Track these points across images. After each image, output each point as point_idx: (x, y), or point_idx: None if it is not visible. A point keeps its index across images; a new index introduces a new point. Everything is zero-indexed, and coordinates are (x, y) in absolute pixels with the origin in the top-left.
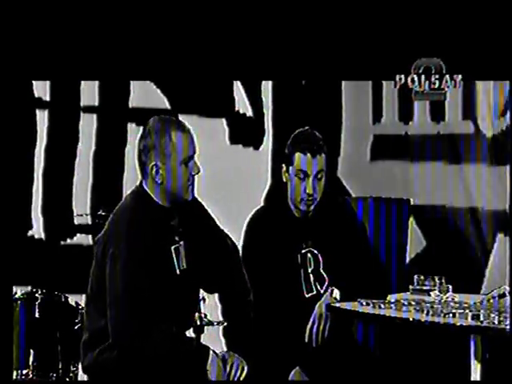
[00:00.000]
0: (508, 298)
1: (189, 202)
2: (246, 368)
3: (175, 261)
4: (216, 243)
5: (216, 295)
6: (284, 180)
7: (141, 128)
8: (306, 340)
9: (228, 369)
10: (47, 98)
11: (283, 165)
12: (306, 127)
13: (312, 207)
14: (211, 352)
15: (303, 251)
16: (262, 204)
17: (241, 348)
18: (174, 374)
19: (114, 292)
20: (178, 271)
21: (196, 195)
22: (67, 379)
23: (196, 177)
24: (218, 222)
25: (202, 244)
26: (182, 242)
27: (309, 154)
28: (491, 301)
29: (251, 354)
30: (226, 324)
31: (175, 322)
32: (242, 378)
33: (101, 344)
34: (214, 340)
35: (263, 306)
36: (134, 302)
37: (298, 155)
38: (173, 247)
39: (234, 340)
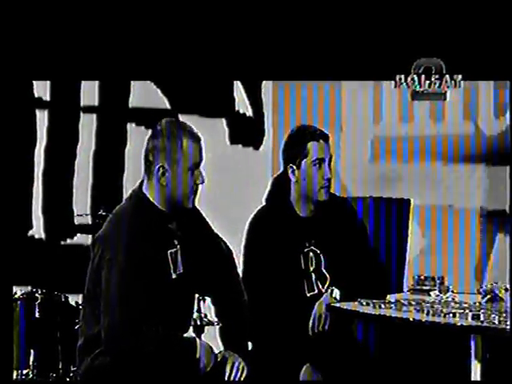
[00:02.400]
0: (508, 297)
1: (187, 209)
2: (246, 368)
3: (171, 265)
4: (212, 247)
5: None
6: (293, 179)
7: (141, 128)
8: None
9: (228, 369)
10: (47, 97)
11: (291, 164)
12: (302, 124)
13: (327, 195)
14: (198, 341)
15: (305, 250)
16: (262, 204)
17: (238, 349)
18: (168, 378)
19: (108, 298)
20: (174, 275)
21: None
22: (67, 379)
23: (200, 187)
24: (212, 226)
25: (198, 248)
26: (179, 246)
27: (321, 141)
28: (489, 297)
29: (249, 355)
30: (221, 326)
31: (170, 327)
32: (242, 379)
33: (96, 350)
34: (215, 340)
35: (265, 305)
36: (129, 310)
37: (311, 144)
38: (170, 251)
39: (230, 341)
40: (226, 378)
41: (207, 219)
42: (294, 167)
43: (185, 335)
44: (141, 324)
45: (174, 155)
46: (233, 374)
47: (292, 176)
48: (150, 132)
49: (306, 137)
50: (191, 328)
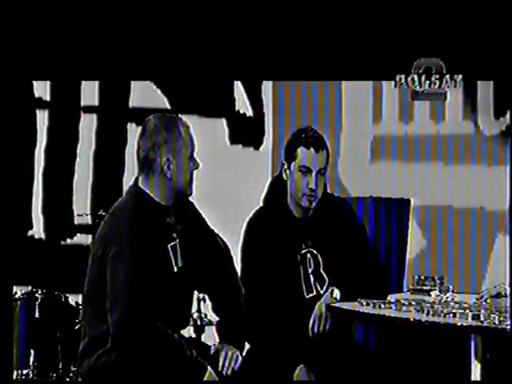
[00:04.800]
0: (508, 297)
1: (185, 199)
2: (239, 357)
3: (172, 259)
4: (209, 241)
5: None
6: (285, 178)
7: (141, 128)
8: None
9: (222, 360)
10: (47, 97)
11: (284, 162)
12: (306, 126)
13: (314, 204)
14: (209, 370)
15: (303, 251)
16: (261, 204)
17: (234, 343)
18: (172, 377)
19: (117, 293)
20: (175, 269)
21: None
22: (67, 379)
23: (194, 172)
24: (208, 222)
25: (196, 242)
26: (178, 240)
27: (312, 149)
28: (489, 300)
29: (247, 355)
30: (218, 320)
31: (172, 321)
32: (236, 368)
33: (99, 350)
34: (214, 340)
35: (263, 306)
36: (138, 302)
37: (300, 150)
38: (170, 245)
39: (227, 336)
40: (220, 369)
41: (203, 215)
42: (286, 166)
43: (199, 358)
44: (149, 315)
45: (176, 145)
46: (226, 364)
47: (284, 174)
48: (139, 132)
49: (298, 140)
50: (191, 328)
